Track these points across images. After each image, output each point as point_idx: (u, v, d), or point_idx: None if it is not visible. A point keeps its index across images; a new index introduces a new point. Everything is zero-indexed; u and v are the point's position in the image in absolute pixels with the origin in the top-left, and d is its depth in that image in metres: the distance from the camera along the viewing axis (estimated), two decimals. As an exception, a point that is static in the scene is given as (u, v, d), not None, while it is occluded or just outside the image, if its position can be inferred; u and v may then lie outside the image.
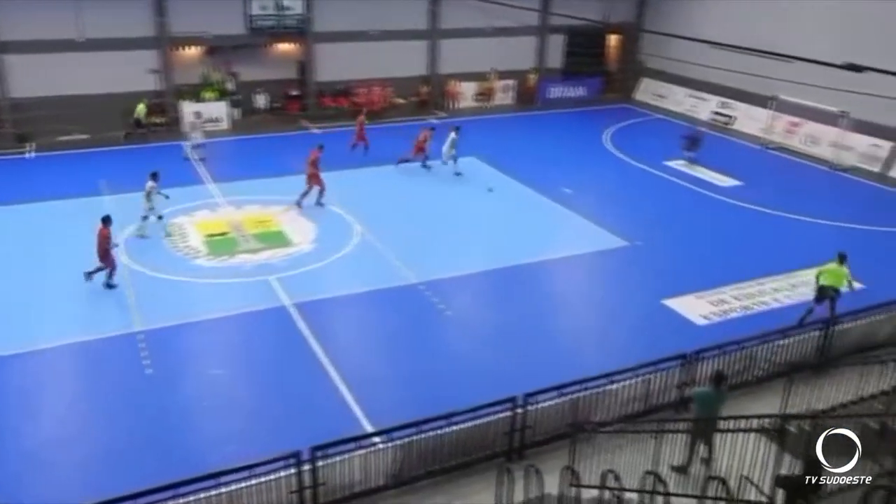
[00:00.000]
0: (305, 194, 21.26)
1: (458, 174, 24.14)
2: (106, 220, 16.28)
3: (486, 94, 34.19)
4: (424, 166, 24.68)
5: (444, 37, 33.06)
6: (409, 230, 19.89)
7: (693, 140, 26.06)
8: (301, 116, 30.79)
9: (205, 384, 13.23)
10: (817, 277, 14.77)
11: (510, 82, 34.71)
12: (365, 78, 31.65)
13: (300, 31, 30.32)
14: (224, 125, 29.22)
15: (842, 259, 14.83)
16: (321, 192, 21.37)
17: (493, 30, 33.31)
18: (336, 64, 31.09)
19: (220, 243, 18.81)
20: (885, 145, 25.82)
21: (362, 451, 9.94)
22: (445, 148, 24.20)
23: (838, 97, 23.75)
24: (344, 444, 9.74)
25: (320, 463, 9.56)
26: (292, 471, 9.41)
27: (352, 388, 12.90)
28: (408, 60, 32.67)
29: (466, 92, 33.84)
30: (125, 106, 27.56)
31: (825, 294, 14.55)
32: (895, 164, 25.51)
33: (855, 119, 25.66)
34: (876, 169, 25.79)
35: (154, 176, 19.31)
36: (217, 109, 29.25)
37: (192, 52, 29.52)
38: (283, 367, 13.69)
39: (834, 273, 14.64)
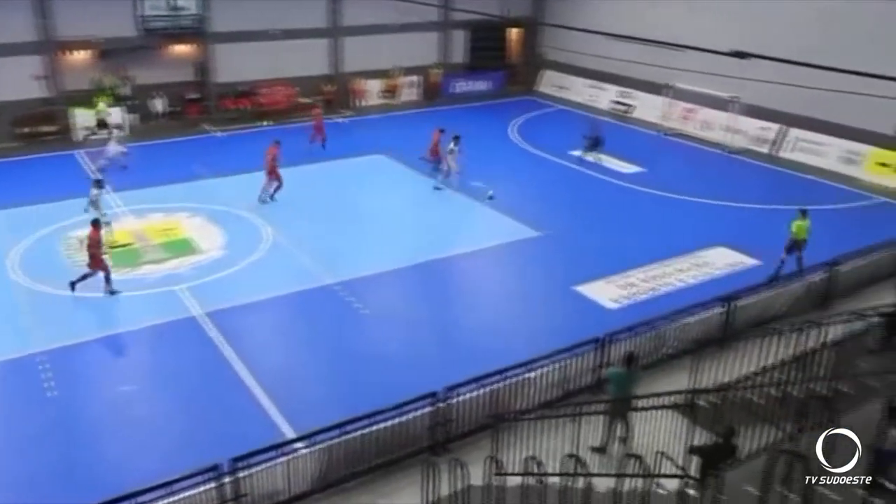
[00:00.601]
0: (265, 189, 21.49)
1: (483, 190, 22.18)
2: (95, 224, 16.04)
3: (391, 91, 34.11)
4: (437, 170, 23.55)
5: (346, 34, 32.77)
6: (321, 231, 19.65)
7: (594, 141, 25.83)
8: (202, 120, 29.92)
9: (115, 402, 12.66)
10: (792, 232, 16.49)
11: (415, 78, 34.74)
12: (267, 78, 31.03)
13: (196, 32, 29.41)
14: (121, 131, 28.08)
15: (804, 213, 16.55)
16: (278, 187, 21.48)
17: (395, 26, 33.23)
18: (236, 65, 30.34)
19: (123, 255, 18.05)
20: (773, 128, 27.25)
21: (285, 459, 9.79)
22: (451, 161, 22.86)
23: (729, 84, 24.89)
24: (265, 452, 9.56)
25: (241, 474, 9.36)
26: (212, 485, 9.18)
27: (271, 395, 12.64)
28: (311, 59, 32.21)
29: (372, 89, 33.68)
30: (10, 115, 26.19)
31: (795, 245, 16.29)
32: (782, 146, 26.96)
33: (744, 104, 26.96)
34: (765, 150, 27.19)
35: (98, 183, 18.87)
36: (113, 115, 28.06)
37: (82, 56, 28.19)
38: (198, 378, 13.29)
39: (799, 226, 16.41)
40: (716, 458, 7.98)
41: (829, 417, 7.03)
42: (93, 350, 14.19)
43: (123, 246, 18.50)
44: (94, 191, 18.72)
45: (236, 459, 9.29)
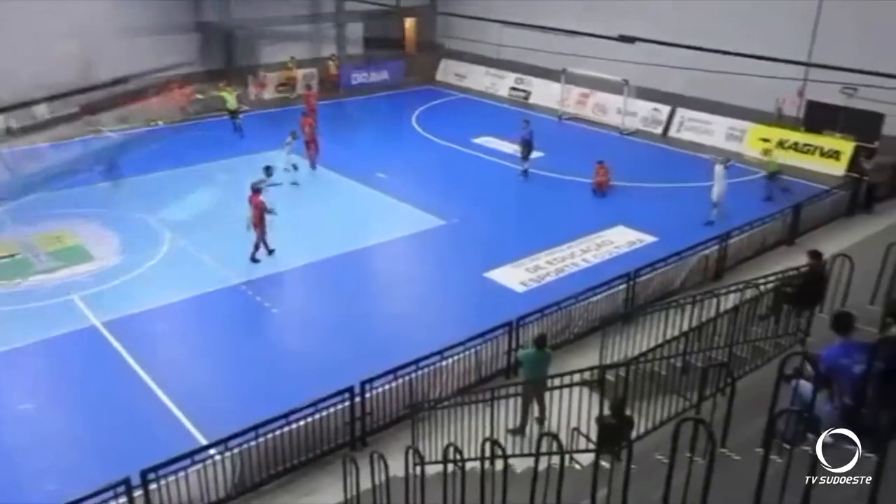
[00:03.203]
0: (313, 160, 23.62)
1: (710, 222, 18.78)
2: (257, 190, 17.10)
3: (288, 84, 33.41)
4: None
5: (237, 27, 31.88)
6: (223, 231, 19.05)
7: (527, 145, 23.40)
8: (92, 121, 28.46)
9: (12, 422, 11.99)
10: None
11: (312, 70, 34.17)
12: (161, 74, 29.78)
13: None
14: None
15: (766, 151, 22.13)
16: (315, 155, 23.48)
17: (288, 18, 32.54)
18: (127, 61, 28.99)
19: (10, 266, 17.04)
20: (664, 109, 28.33)
21: (198, 466, 9.54)
22: (719, 191, 19.07)
23: (620, 67, 25.69)
24: (177, 462, 9.29)
25: (152, 486, 9.07)
26: (123, 500, 8.85)
27: (180, 402, 12.25)
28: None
29: (269, 83, 32.92)
30: None
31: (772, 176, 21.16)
32: (673, 126, 28.07)
33: (636, 86, 27.88)
34: (657, 131, 28.24)
35: (267, 170, 19.30)
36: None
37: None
38: (101, 390, 12.72)
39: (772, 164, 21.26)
40: (620, 434, 8.26)
41: (728, 383, 7.43)
42: (-17, 369, 13.37)
43: (9, 257, 17.47)
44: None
45: (147, 471, 9.00)
